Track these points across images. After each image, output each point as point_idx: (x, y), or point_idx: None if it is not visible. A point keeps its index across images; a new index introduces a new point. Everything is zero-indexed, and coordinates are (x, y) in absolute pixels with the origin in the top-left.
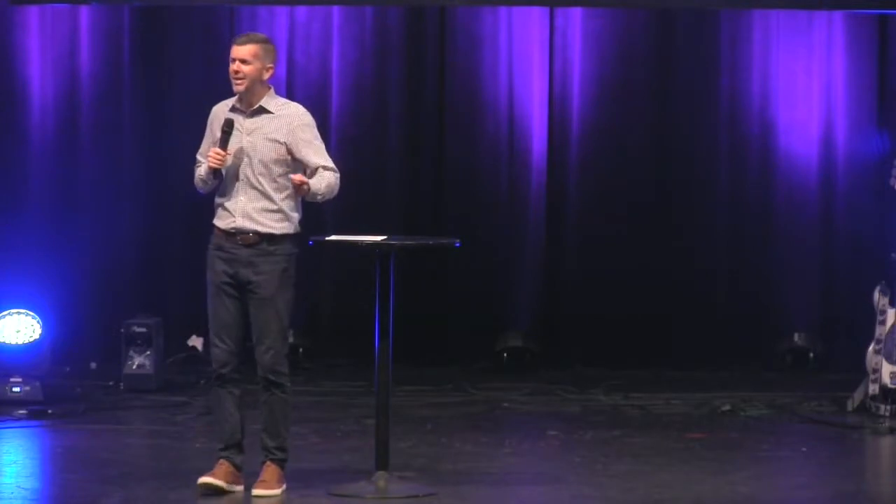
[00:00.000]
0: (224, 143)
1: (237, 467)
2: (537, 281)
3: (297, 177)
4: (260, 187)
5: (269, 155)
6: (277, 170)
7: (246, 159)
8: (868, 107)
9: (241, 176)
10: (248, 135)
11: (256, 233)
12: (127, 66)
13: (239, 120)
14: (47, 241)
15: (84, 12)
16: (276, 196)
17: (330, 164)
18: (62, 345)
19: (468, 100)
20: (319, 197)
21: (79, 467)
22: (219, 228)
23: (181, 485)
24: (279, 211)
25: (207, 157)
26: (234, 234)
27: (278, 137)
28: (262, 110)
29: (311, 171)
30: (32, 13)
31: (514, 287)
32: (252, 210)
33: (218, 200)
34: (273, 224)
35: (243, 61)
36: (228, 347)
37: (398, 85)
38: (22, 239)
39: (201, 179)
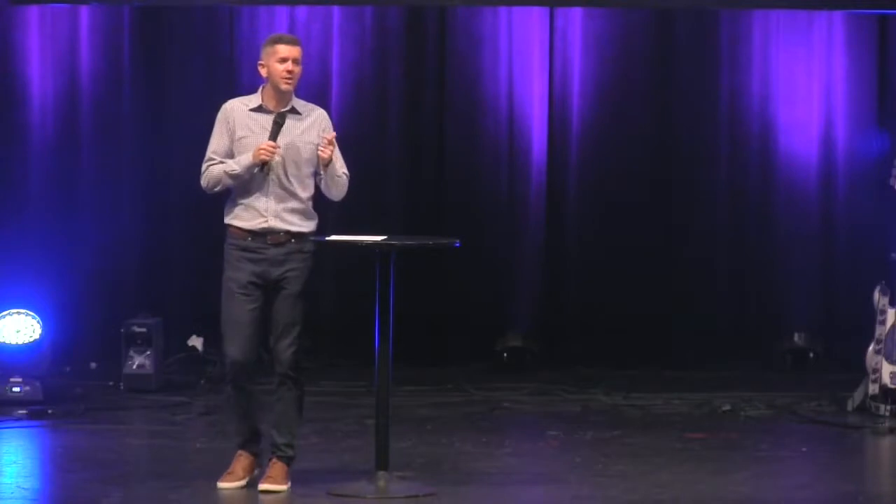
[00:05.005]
0: (275, 135)
1: (255, 455)
2: (537, 281)
3: (330, 137)
4: (290, 187)
5: (303, 155)
6: (307, 170)
7: (278, 159)
8: (868, 107)
9: (272, 175)
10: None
11: (288, 232)
12: (127, 66)
13: (267, 120)
14: (47, 241)
15: (84, 12)
16: (303, 195)
17: (346, 168)
18: (62, 345)
19: (468, 100)
20: (336, 179)
21: (79, 467)
22: (242, 229)
23: (181, 485)
24: (305, 210)
25: (258, 151)
26: (264, 235)
27: (312, 139)
28: (293, 110)
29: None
30: (32, 13)
31: (514, 287)
32: (282, 210)
33: (240, 200)
34: (301, 223)
35: (296, 61)
36: (247, 347)
37: (398, 85)
38: (22, 239)
39: (231, 175)
